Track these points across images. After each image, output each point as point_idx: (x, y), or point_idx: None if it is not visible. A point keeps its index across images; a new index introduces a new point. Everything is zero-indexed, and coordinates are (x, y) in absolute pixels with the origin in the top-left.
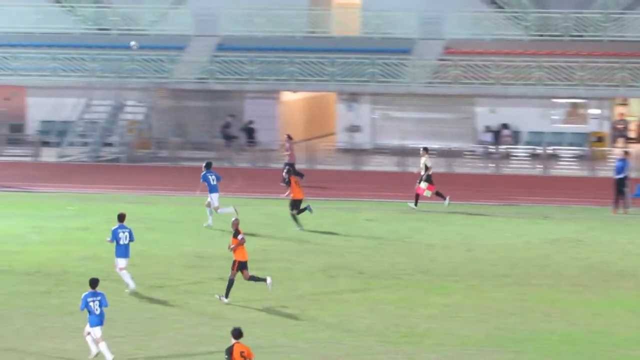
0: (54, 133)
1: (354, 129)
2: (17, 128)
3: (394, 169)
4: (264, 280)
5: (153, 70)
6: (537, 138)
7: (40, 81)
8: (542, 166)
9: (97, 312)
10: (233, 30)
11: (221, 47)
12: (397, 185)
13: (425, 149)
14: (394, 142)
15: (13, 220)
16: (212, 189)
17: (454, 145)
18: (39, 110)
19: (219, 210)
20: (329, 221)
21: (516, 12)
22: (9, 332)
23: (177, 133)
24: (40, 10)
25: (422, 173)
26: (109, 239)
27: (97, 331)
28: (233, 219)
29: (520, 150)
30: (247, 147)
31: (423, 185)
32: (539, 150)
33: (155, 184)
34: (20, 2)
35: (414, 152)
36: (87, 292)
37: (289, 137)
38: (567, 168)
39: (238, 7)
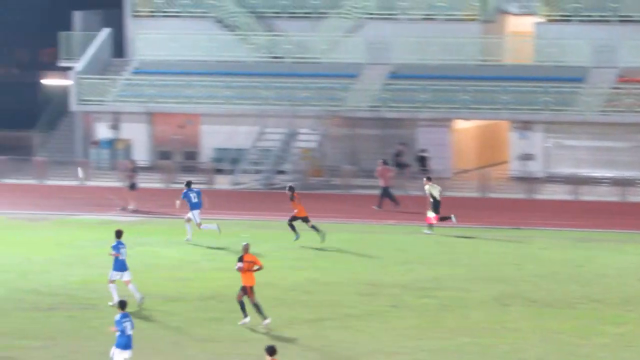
0: (228, 160)
1: (526, 157)
2: (191, 155)
3: (568, 197)
4: (264, 318)
5: (326, 98)
6: None
7: (214, 109)
8: None
9: (129, 334)
10: (405, 58)
11: (394, 75)
12: (571, 213)
13: (428, 178)
14: (568, 170)
15: (187, 246)
16: (194, 206)
17: (628, 173)
18: (212, 137)
19: (201, 227)
20: (501, 249)
21: None
22: (183, 358)
23: (349, 161)
24: (214, 39)
25: (431, 200)
26: (113, 252)
27: (125, 354)
28: (244, 243)
29: None
30: (420, 175)
31: (430, 215)
32: None
33: (328, 211)
34: (194, 31)
35: (588, 181)
36: (119, 314)
37: (384, 162)
38: None
39: (411, 35)
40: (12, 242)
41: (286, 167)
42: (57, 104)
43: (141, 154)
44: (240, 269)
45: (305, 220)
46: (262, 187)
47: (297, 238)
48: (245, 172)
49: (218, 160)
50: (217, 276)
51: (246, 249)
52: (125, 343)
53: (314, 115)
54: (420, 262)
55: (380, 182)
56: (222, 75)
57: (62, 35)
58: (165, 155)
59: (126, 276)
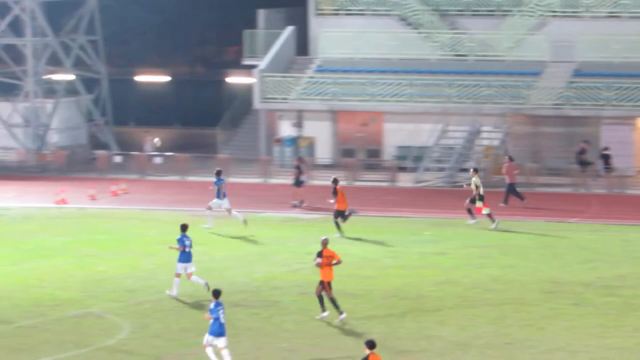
0: (410, 158)
1: None
2: (374, 153)
3: None
4: (340, 313)
5: (509, 96)
6: None
7: (397, 107)
8: None
9: (222, 322)
10: (590, 56)
11: (578, 73)
12: None
13: (475, 170)
14: None
15: (369, 244)
16: (223, 195)
17: None
18: (395, 135)
19: (232, 214)
20: None
21: None
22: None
23: (532, 158)
24: (398, 37)
25: (474, 193)
26: (176, 246)
27: (222, 341)
28: (323, 237)
29: None
30: (603, 174)
31: (479, 204)
32: None
33: (510, 209)
34: (377, 29)
35: None
36: (213, 303)
37: (510, 159)
38: None
39: (595, 33)
40: (195, 239)
41: (469, 164)
42: (241, 101)
43: (324, 152)
44: (319, 264)
45: (342, 214)
46: (444, 185)
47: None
48: (427, 169)
49: (401, 158)
50: (399, 274)
51: (325, 243)
52: (218, 330)
53: (497, 113)
54: (604, 260)
55: (507, 179)
56: (405, 73)
57: (247, 33)
58: (348, 153)
59: (190, 268)
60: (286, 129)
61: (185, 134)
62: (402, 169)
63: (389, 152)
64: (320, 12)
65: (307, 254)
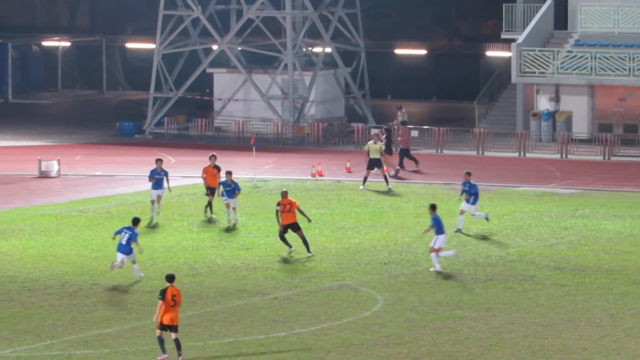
0: None
1: None
2: (632, 128)
3: None
4: (290, 246)
5: None
6: None
7: None
8: None
9: (124, 243)
10: None
11: None
12: None
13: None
14: None
15: (627, 220)
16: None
17: None
18: None
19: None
20: None
21: None
22: (620, 332)
23: None
24: None
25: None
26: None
27: (121, 256)
28: (283, 189)
29: None
30: None
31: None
32: None
33: None
34: (639, 3)
35: None
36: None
37: (404, 123)
38: None
39: None
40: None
41: None
42: (499, 75)
43: (581, 127)
44: (277, 212)
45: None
46: None
47: None
48: None
49: None
50: None
51: (284, 195)
52: (121, 250)
53: None
54: None
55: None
56: None
57: (506, 7)
58: (605, 127)
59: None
60: (543, 103)
61: (442, 108)
62: None
63: None
64: None
65: (563, 229)
